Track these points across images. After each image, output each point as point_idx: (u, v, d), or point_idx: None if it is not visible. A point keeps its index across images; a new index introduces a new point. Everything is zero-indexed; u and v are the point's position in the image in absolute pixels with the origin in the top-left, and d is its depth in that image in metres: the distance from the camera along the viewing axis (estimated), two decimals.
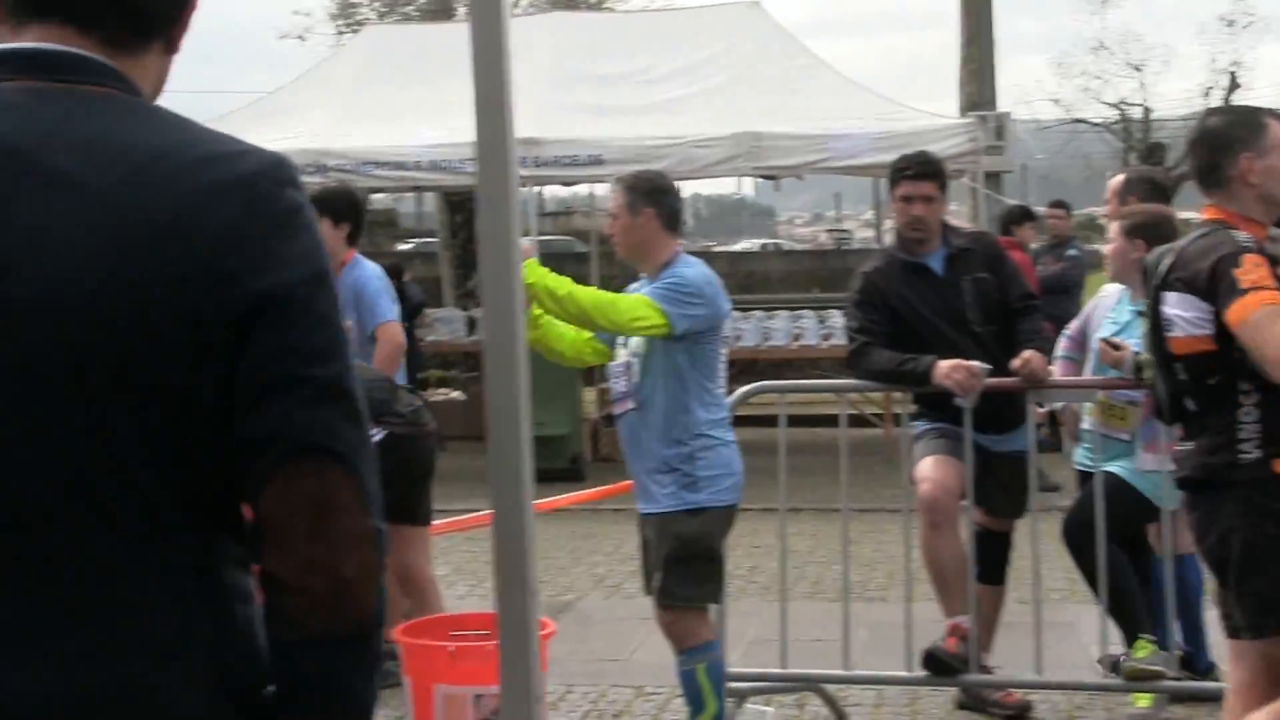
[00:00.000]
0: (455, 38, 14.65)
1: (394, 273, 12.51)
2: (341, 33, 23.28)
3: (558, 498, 7.54)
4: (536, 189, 12.69)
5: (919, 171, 5.48)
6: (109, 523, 1.49)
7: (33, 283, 1.47)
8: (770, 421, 7.29)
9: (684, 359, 4.61)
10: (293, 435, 1.51)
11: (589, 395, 12.16)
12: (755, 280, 20.80)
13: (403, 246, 25.10)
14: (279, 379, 1.51)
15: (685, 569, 4.57)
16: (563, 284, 4.53)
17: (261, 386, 1.51)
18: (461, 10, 22.36)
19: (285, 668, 1.55)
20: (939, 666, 5.25)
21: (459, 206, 18.00)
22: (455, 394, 13.48)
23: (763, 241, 47.06)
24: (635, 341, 4.69)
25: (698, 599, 4.65)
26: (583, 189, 14.66)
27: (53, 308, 1.46)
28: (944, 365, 5.14)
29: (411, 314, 12.51)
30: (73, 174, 1.49)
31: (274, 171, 1.56)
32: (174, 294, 1.48)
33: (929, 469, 5.32)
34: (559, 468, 10.79)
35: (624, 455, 4.85)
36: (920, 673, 5.32)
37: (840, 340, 12.35)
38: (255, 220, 1.52)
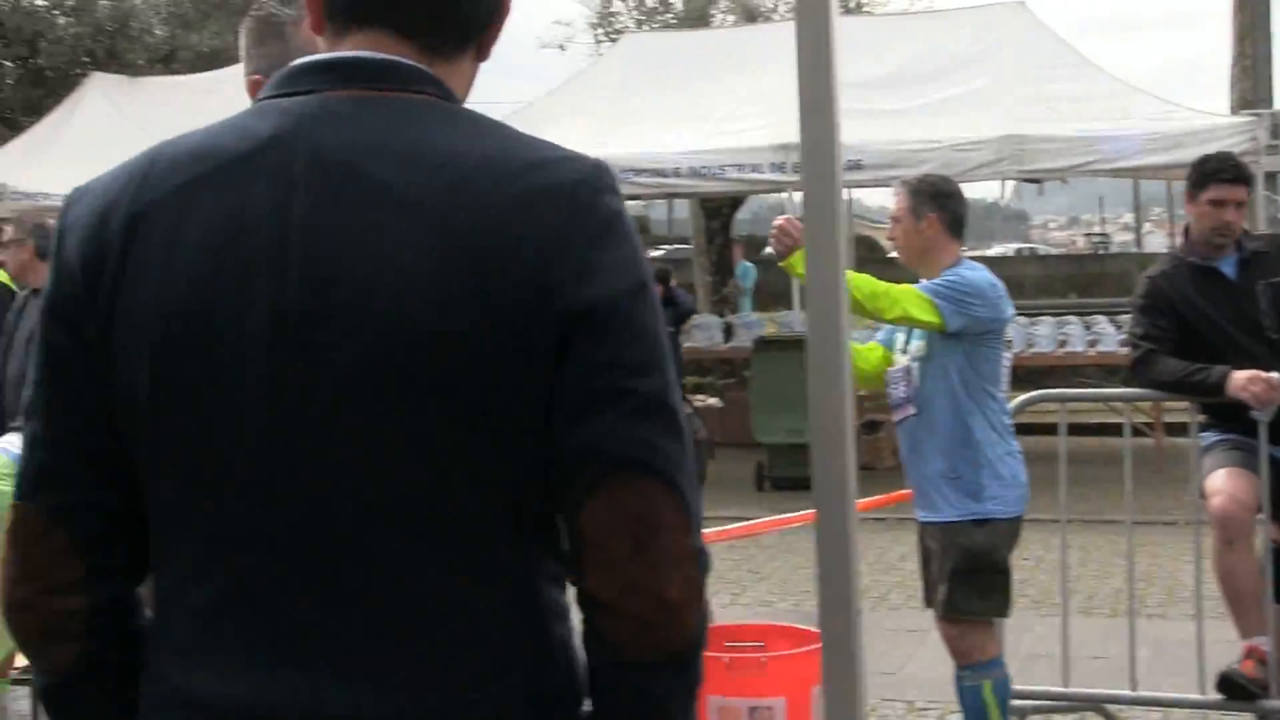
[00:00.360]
0: (714, 44, 14.77)
1: (661, 278, 12.65)
2: (600, 41, 23.60)
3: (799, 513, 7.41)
4: (790, 194, 12.65)
5: (1235, 175, 5.24)
6: (431, 540, 1.47)
7: (355, 297, 1.45)
8: (1038, 430, 7.07)
9: (965, 362, 4.51)
10: (614, 451, 1.46)
11: None
12: (1010, 286, 20.10)
13: (654, 253, 25.33)
14: (600, 393, 1.46)
15: (972, 581, 4.46)
16: None
17: (582, 400, 1.46)
18: (719, 17, 22.45)
19: (604, 689, 1.52)
20: (1235, 690, 4.99)
21: (715, 213, 18.05)
22: (712, 400, 13.49)
23: (1017, 246, 46.05)
24: (915, 345, 4.61)
25: (985, 612, 4.54)
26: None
27: (375, 323, 1.44)
28: (1240, 376, 4.90)
29: (679, 320, 12.58)
30: (395, 185, 1.47)
31: (594, 179, 1.52)
32: (495, 306, 1.44)
33: (1221, 482, 5.07)
34: None
35: (903, 462, 4.75)
36: (1214, 695, 5.07)
37: (1107, 347, 11.98)
38: (576, 229, 1.47)
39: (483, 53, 1.66)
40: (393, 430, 1.45)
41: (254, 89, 2.21)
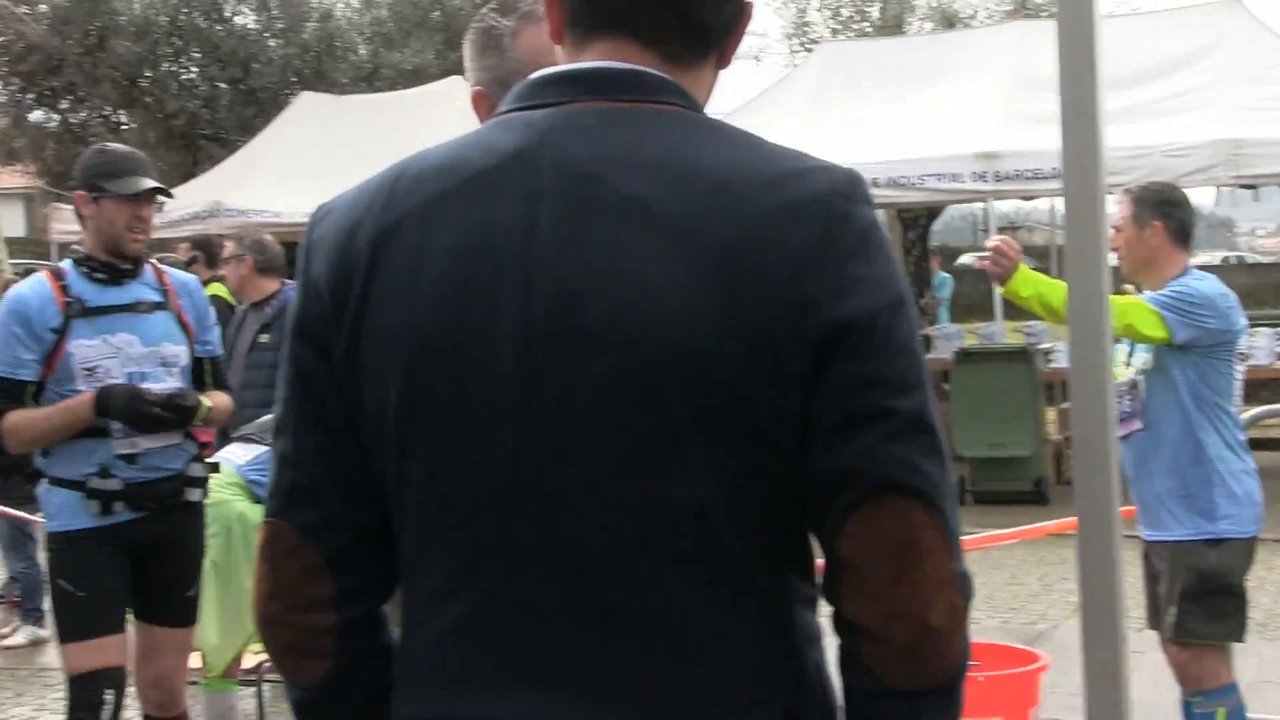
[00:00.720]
0: (910, 52, 14.59)
1: None
2: (795, 52, 23.57)
3: (1043, 524, 7.21)
4: (990, 203, 12.41)
5: None
6: (683, 562, 1.43)
7: (605, 312, 1.41)
8: (1260, 445, 6.80)
9: (1195, 375, 4.35)
10: (874, 472, 1.41)
11: (1050, 415, 11.73)
12: None
13: None
14: (859, 412, 1.41)
15: (1204, 604, 4.30)
16: (1056, 291, 4.29)
17: (840, 419, 1.41)
18: (915, 24, 22.19)
19: (863, 716, 1.48)
20: None
21: (912, 223, 17.84)
22: None
23: (1224, 254, 44.52)
24: (1141, 358, 4.45)
25: (1218, 637, 4.37)
26: (1043, 203, 14.16)
27: (626, 339, 1.41)
28: None
29: None
30: (643, 198, 1.43)
31: (849, 189, 1.46)
32: (749, 322, 1.40)
33: None
34: (1021, 490, 10.44)
35: (1128, 478, 4.60)
36: None
37: None
38: (832, 242, 1.42)
39: (724, 60, 1.62)
40: (644, 450, 1.42)
41: (477, 102, 2.21)
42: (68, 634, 4.27)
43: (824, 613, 1.50)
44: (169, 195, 4.84)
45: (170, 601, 4.45)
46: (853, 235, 1.44)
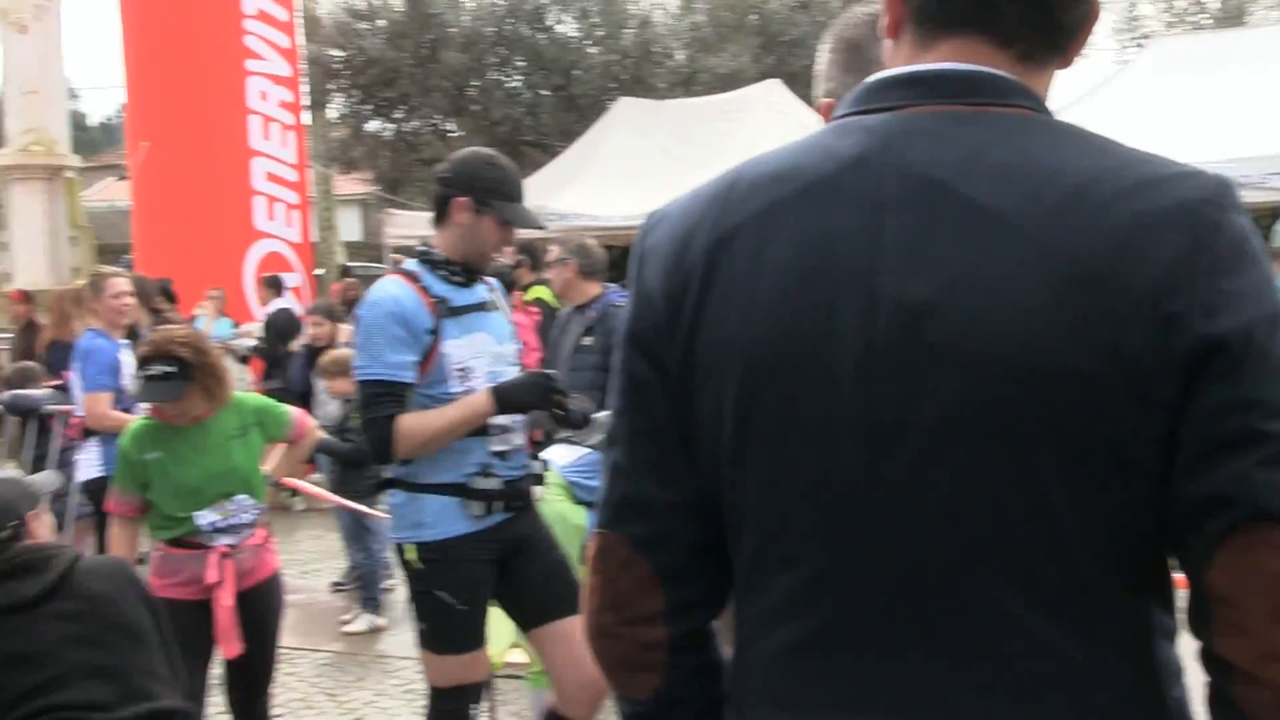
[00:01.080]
0: (1254, 43, 13.80)
1: None
2: (1125, 47, 22.76)
3: None
4: None
5: None
6: (1035, 589, 1.36)
7: (956, 326, 1.34)
8: None
9: None
10: (1249, 500, 1.30)
11: None
12: None
13: None
14: (1232, 435, 1.30)
15: None
16: None
17: (1210, 444, 1.31)
18: (1259, 13, 21.09)
19: None
20: None
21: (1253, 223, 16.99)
22: None
23: None
24: None
25: None
26: None
27: (978, 354, 1.34)
28: None
29: None
30: (994, 207, 1.36)
31: (1219, 197, 1.36)
32: (1109, 339, 1.31)
33: None
34: None
35: None
36: None
37: None
38: (1201, 253, 1.32)
39: (1067, 59, 1.53)
40: (995, 471, 1.35)
41: (825, 112, 2.10)
42: (444, 646, 4.16)
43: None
44: (542, 227, 4.88)
45: (566, 587, 4.30)
46: (1225, 246, 1.34)
